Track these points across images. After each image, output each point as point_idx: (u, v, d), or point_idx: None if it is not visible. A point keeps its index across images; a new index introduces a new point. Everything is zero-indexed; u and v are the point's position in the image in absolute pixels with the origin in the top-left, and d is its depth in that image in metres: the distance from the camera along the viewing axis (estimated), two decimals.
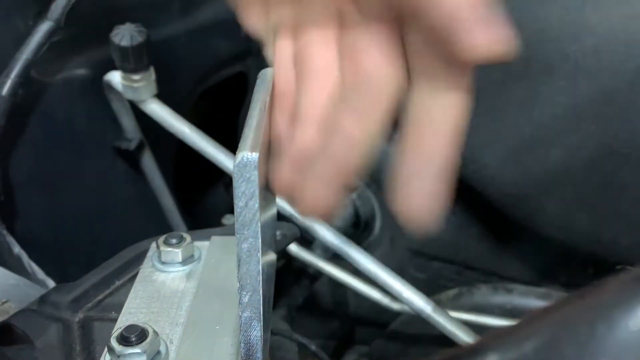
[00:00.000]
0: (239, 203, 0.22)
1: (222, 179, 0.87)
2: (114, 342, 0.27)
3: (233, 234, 0.40)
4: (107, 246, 0.63)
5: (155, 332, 0.28)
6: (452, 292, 0.82)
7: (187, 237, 0.36)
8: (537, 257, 0.77)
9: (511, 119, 0.60)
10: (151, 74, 0.54)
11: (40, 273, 0.52)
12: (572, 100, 0.56)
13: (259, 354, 0.25)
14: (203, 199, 0.88)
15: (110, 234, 0.65)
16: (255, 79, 0.27)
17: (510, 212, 0.69)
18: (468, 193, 0.73)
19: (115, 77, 0.55)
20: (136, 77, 0.52)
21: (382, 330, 0.86)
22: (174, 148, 0.72)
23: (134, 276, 0.35)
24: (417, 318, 0.65)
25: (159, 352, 0.28)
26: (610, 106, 0.55)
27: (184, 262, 0.35)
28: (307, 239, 0.85)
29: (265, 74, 0.31)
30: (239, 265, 0.22)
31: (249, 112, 0.25)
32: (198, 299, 0.32)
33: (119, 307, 0.32)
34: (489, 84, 0.58)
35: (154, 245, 0.37)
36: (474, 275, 0.82)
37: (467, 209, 0.77)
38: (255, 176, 0.21)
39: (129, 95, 0.54)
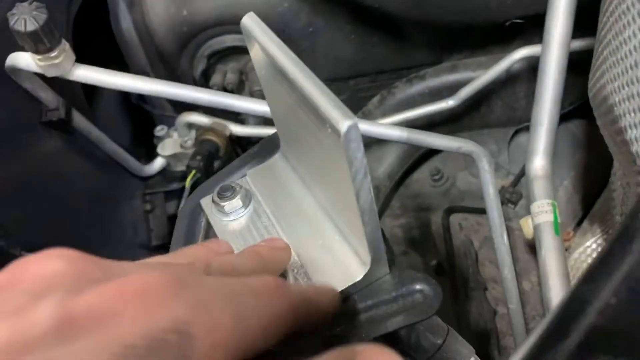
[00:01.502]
0: (355, 169, 0.27)
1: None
2: None
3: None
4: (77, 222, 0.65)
5: None
6: (375, 99, 0.92)
7: (237, 186, 0.39)
8: (434, 39, 0.86)
9: None
10: (65, 43, 0.50)
11: None
12: None
13: (382, 246, 0.32)
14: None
15: (78, 198, 0.65)
16: None
17: (404, 14, 0.76)
18: (363, 12, 0.78)
19: (21, 59, 0.51)
20: (54, 53, 0.49)
21: None
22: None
23: (207, 233, 0.40)
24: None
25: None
26: None
27: (245, 205, 0.39)
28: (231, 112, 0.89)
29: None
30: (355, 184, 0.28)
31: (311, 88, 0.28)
32: (283, 226, 0.37)
33: None
34: None
35: (207, 203, 0.40)
36: (386, 77, 0.91)
37: (364, 26, 0.83)
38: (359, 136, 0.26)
39: (52, 73, 0.51)
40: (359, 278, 0.33)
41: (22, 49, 0.53)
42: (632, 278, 0.19)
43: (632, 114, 0.36)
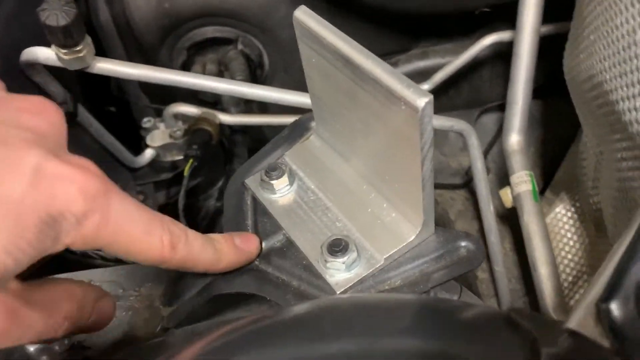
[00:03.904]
0: (424, 140, 0.31)
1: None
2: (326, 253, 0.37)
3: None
4: None
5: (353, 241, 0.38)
6: None
7: (282, 165, 0.43)
8: (404, 28, 0.91)
9: None
10: (88, 37, 0.51)
11: None
12: None
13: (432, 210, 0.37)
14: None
15: None
16: None
17: (381, 4, 0.81)
18: (339, 3, 0.83)
19: (41, 54, 0.51)
20: (79, 47, 0.50)
21: None
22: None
23: (255, 210, 0.43)
24: None
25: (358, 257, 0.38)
26: None
27: (290, 182, 0.43)
28: (208, 102, 0.91)
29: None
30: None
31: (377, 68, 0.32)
32: (330, 198, 0.41)
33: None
34: None
35: (253, 182, 0.43)
36: None
37: (339, 16, 0.87)
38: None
39: (75, 66, 0.52)
40: (411, 239, 0.38)
41: (33, 44, 0.54)
42: None
43: (625, 88, 0.42)
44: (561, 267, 0.70)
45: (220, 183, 0.89)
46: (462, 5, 0.80)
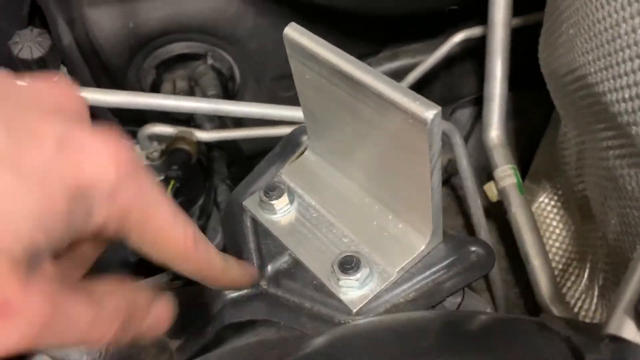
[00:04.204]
0: (433, 152, 0.31)
1: None
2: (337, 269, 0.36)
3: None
4: None
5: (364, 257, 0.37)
6: None
7: (280, 184, 0.42)
8: (375, 31, 0.91)
9: None
10: (63, 67, 0.49)
11: None
12: None
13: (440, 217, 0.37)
14: None
15: None
16: None
17: (353, 8, 0.81)
18: (307, 10, 0.82)
19: None
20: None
21: None
22: None
23: (256, 232, 0.42)
24: None
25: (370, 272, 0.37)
26: None
27: (291, 201, 0.42)
28: (181, 120, 0.89)
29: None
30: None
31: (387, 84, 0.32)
32: (333, 214, 0.40)
33: None
34: None
35: (251, 203, 0.42)
36: None
37: (308, 23, 0.86)
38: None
39: None
40: (421, 249, 0.38)
41: None
42: None
43: (612, 81, 0.43)
44: (550, 256, 0.71)
45: (200, 201, 0.88)
46: (430, 4, 0.80)
